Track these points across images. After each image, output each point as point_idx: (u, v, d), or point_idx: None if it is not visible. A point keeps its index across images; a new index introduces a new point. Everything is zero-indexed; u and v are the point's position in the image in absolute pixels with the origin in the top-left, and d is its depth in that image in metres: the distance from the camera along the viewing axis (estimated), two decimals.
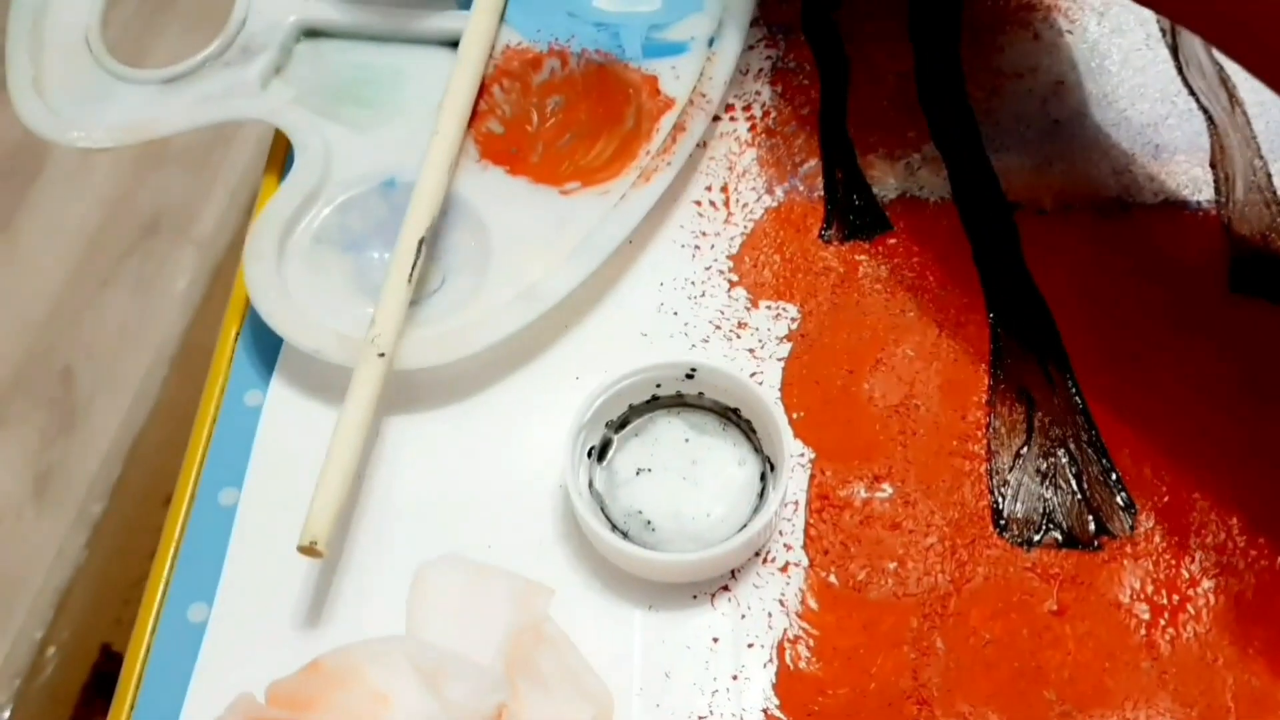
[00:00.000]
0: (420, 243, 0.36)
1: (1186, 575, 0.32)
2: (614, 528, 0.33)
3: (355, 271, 0.37)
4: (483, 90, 0.41)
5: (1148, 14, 0.43)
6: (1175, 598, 0.32)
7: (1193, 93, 0.41)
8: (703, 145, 0.40)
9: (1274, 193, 0.38)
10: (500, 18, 0.42)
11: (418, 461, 0.35)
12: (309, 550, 0.30)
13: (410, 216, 0.36)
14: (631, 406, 0.35)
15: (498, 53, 0.41)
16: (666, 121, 0.39)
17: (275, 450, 0.35)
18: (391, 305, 0.34)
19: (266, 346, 0.36)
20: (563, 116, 0.40)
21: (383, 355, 0.34)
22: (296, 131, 0.39)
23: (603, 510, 0.33)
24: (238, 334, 0.37)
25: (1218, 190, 0.38)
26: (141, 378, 1.16)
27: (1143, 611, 0.32)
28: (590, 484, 0.34)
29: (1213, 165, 0.39)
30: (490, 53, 0.41)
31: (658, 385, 0.35)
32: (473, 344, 0.35)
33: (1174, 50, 0.42)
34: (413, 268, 0.35)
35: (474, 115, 0.40)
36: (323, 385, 0.35)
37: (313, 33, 0.43)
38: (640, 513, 0.33)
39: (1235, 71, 0.41)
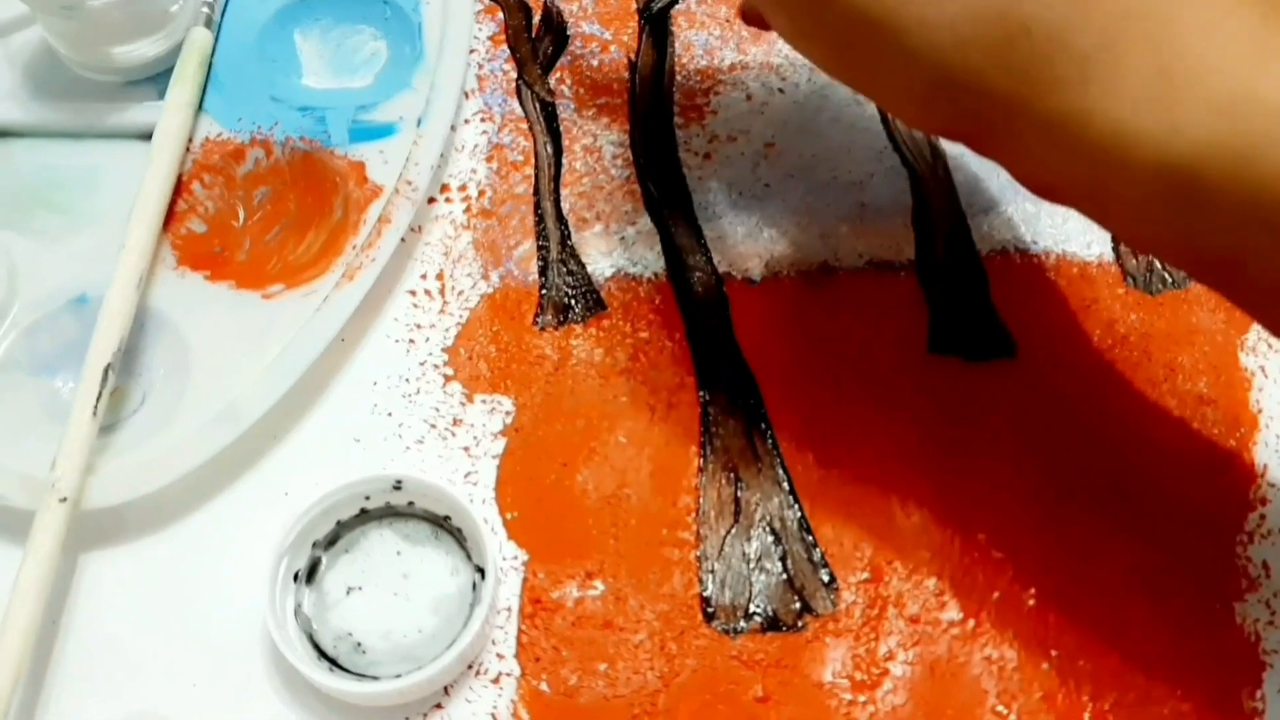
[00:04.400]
0: (106, 370, 0.34)
1: (885, 649, 0.33)
2: (322, 655, 0.33)
3: (47, 399, 0.36)
4: (182, 188, 0.39)
5: None
6: (875, 672, 0.33)
7: (898, 148, 0.41)
8: (417, 229, 0.40)
9: (972, 248, 0.40)
10: (198, 108, 0.40)
11: (118, 600, 0.34)
12: None
13: (95, 342, 0.35)
14: (340, 522, 0.34)
15: (196, 146, 0.40)
16: (373, 212, 0.39)
17: None
18: (75, 443, 0.33)
19: None
20: (271, 209, 0.39)
21: (65, 500, 0.32)
22: None
23: (311, 637, 0.33)
24: None
25: (919, 249, 0.39)
26: None
27: (844, 690, 0.33)
28: (299, 608, 0.33)
29: (915, 222, 0.40)
30: (188, 147, 0.40)
31: (366, 498, 0.34)
32: (169, 474, 0.34)
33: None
34: (98, 399, 0.34)
35: (172, 216, 0.39)
36: (12, 526, 0.34)
37: None
38: (350, 635, 0.33)
39: None
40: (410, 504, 0.34)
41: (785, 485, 0.35)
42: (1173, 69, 0.26)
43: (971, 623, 0.34)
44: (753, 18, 0.37)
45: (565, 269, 0.39)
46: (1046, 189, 0.30)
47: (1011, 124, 0.28)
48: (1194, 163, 0.26)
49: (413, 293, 0.39)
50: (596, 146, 0.42)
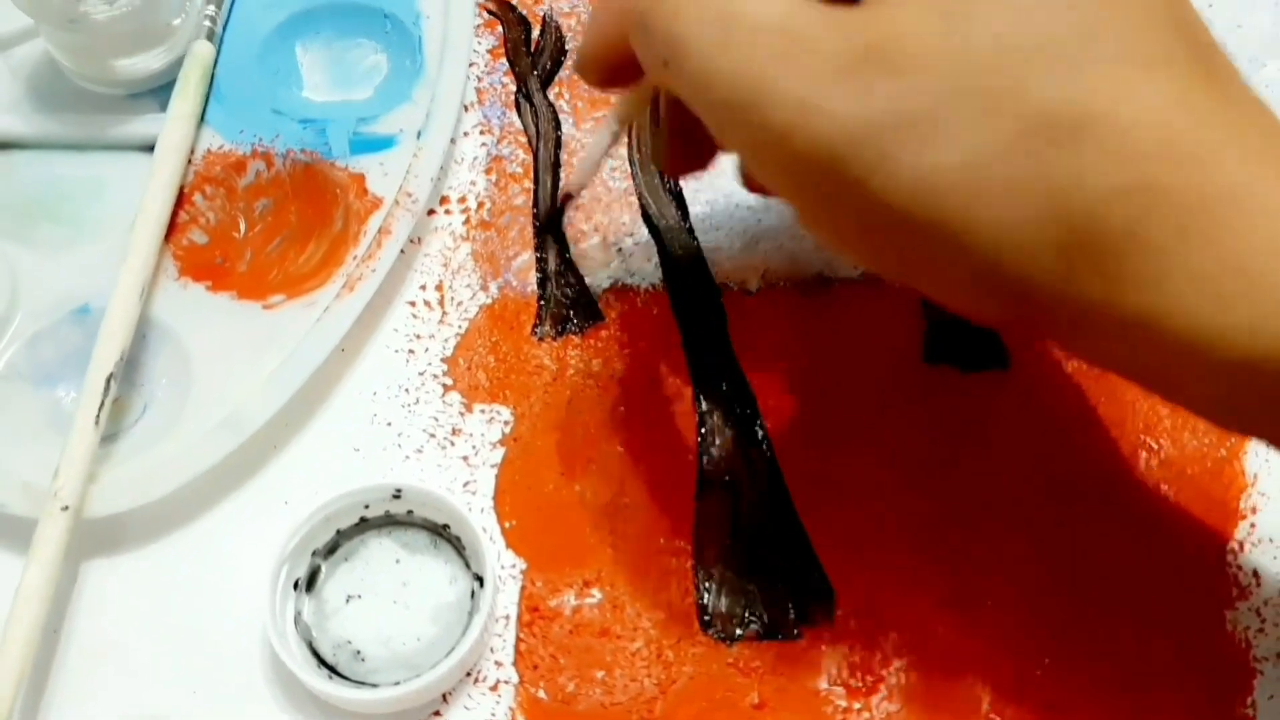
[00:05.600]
0: (108, 380, 0.35)
1: (880, 656, 0.34)
2: (322, 662, 0.33)
3: (50, 408, 0.36)
4: (184, 200, 0.39)
5: None
6: (870, 679, 0.33)
7: None
8: (417, 241, 0.40)
9: None
10: (199, 121, 0.41)
11: (120, 607, 0.34)
12: None
13: (97, 352, 0.35)
14: (340, 531, 0.34)
15: (198, 158, 0.40)
16: (373, 223, 0.39)
17: None
18: (77, 451, 0.33)
19: None
20: (272, 220, 0.40)
21: (67, 509, 0.33)
22: None
23: (311, 645, 0.33)
24: None
25: None
26: None
27: (840, 697, 0.33)
28: (299, 616, 0.33)
29: None
30: (190, 159, 0.40)
31: (366, 506, 0.34)
32: (170, 482, 0.34)
33: None
34: (100, 408, 0.34)
35: (174, 227, 0.39)
36: (15, 535, 0.34)
37: (2, 144, 0.41)
38: (350, 643, 0.33)
39: None
40: (409, 513, 0.35)
41: (783, 495, 0.36)
42: (1245, 264, 0.25)
43: (965, 630, 0.34)
44: (758, 186, 0.35)
45: (563, 280, 0.40)
46: (1110, 370, 0.29)
47: (1081, 323, 0.27)
48: (1272, 358, 0.24)
49: (412, 303, 0.39)
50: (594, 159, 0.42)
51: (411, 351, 0.38)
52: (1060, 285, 0.26)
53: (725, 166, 0.42)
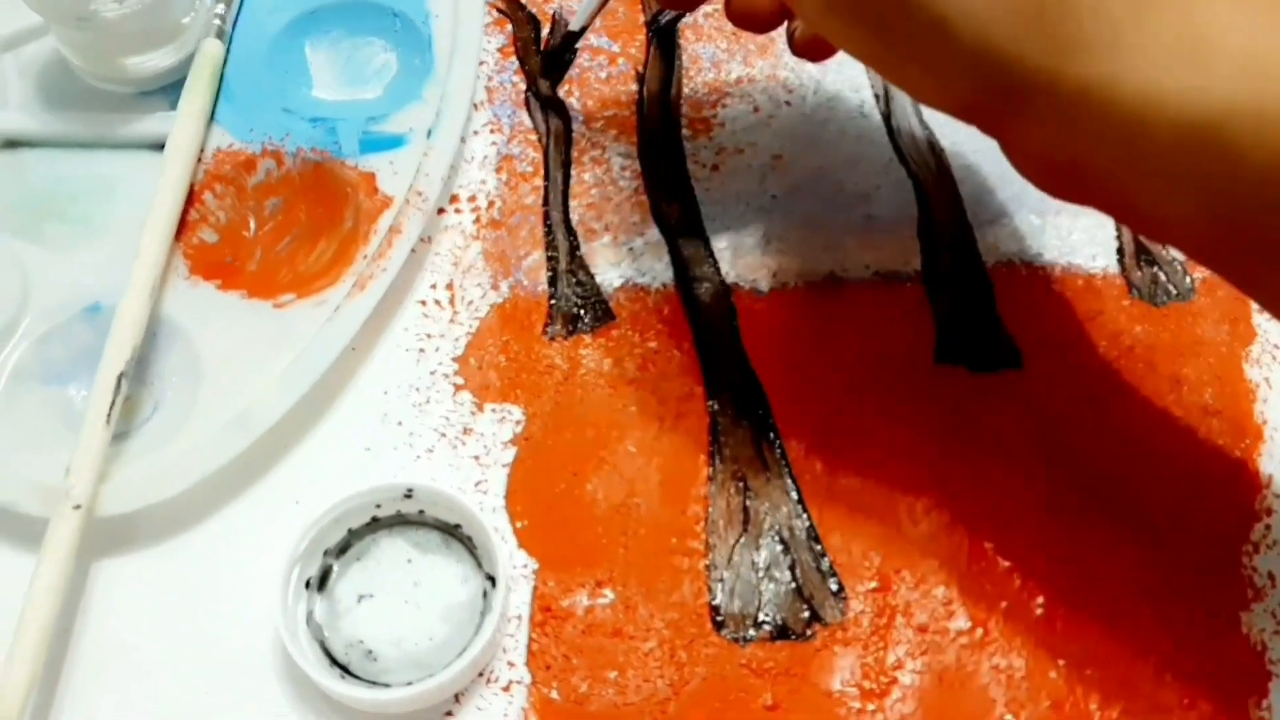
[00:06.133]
0: (120, 379, 0.34)
1: (893, 658, 0.33)
2: (334, 662, 0.33)
3: (61, 407, 0.36)
4: (194, 198, 0.39)
5: (863, 81, 0.44)
6: (884, 680, 0.33)
7: (904, 160, 0.42)
8: (427, 240, 0.40)
9: (978, 260, 0.40)
10: (209, 119, 0.41)
11: (131, 606, 0.34)
12: None
13: (108, 351, 0.35)
14: (351, 530, 0.34)
15: (208, 157, 0.40)
16: (384, 222, 0.39)
17: None
18: (89, 450, 0.33)
19: None
20: (282, 219, 0.39)
21: (79, 507, 0.33)
22: None
23: (323, 644, 0.33)
24: None
25: (925, 260, 0.40)
26: None
27: (853, 698, 0.33)
28: (310, 616, 0.33)
29: (920, 234, 0.40)
30: (200, 158, 0.40)
31: (377, 506, 0.34)
32: (181, 481, 0.34)
33: (887, 118, 0.43)
34: (111, 407, 0.34)
35: (184, 226, 0.39)
36: (26, 533, 0.34)
37: (12, 143, 0.41)
38: (362, 642, 0.33)
39: (944, 136, 0.42)
40: (421, 512, 0.34)
41: (793, 494, 0.36)
42: (1199, 31, 0.26)
43: (979, 631, 0.34)
44: (806, 47, 0.36)
45: (574, 279, 0.39)
46: (1061, 173, 0.30)
47: (1038, 94, 0.28)
48: (1219, 122, 0.26)
49: (423, 302, 0.39)
50: (605, 158, 0.42)
51: (422, 351, 0.38)
52: (1022, 53, 0.27)
53: (736, 168, 0.42)
